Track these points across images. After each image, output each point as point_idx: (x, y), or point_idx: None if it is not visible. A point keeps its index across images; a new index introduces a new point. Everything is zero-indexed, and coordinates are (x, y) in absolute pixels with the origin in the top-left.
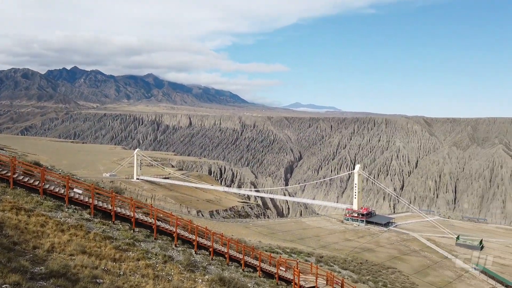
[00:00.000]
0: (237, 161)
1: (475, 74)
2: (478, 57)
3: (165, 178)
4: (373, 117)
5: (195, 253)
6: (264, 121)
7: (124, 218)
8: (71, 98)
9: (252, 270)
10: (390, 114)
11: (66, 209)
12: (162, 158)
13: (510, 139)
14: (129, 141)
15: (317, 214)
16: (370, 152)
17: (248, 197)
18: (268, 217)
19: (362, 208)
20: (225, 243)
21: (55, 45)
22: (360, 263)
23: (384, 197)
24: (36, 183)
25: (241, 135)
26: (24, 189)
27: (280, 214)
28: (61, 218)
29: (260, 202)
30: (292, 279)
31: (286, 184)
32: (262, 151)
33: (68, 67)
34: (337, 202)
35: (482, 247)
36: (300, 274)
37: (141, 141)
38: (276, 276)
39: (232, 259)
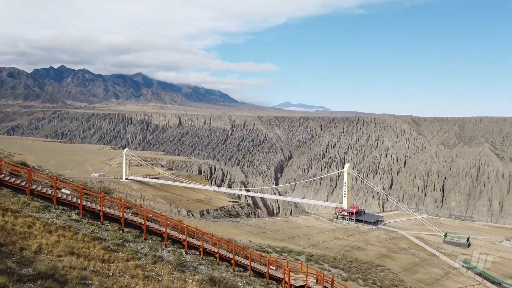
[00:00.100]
0: (227, 161)
1: (462, 74)
2: (465, 57)
3: (155, 178)
4: (362, 116)
5: (185, 253)
6: (254, 120)
7: (113, 219)
8: (59, 98)
9: (242, 270)
10: (379, 113)
11: (54, 210)
12: (152, 158)
13: (496, 138)
14: (118, 141)
15: (307, 213)
16: (359, 151)
17: (239, 196)
18: (258, 217)
19: (351, 206)
20: (215, 242)
21: (42, 44)
22: (350, 261)
23: (373, 196)
24: (23, 183)
25: (231, 134)
26: (11, 190)
27: (271, 213)
28: (48, 219)
29: (250, 202)
30: (282, 278)
31: (276, 184)
32: (252, 151)
33: (55, 66)
34: (327, 201)
35: (469, 245)
36: (291, 273)
37: (130, 141)
38: (266, 275)
39: (223, 258)
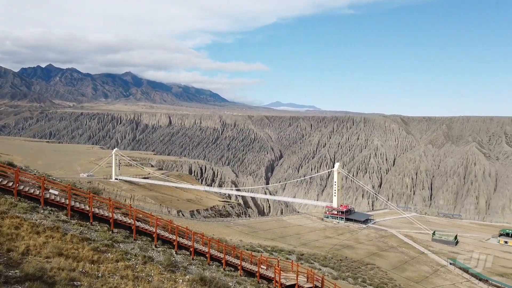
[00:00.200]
0: (217, 160)
1: (450, 74)
2: (453, 57)
3: (145, 178)
4: (352, 116)
5: (176, 253)
6: (245, 120)
7: (102, 219)
8: (46, 97)
9: (233, 269)
10: (368, 113)
11: (42, 211)
12: (141, 157)
13: (483, 137)
14: (107, 140)
15: (298, 212)
16: (349, 150)
17: (229, 196)
18: (249, 216)
19: (341, 205)
20: (206, 242)
21: (28, 42)
22: (340, 260)
23: (362, 195)
24: (10, 184)
25: (221, 134)
26: None
27: (261, 212)
28: (36, 220)
29: (241, 201)
30: (273, 277)
31: (267, 183)
32: (243, 150)
33: (43, 65)
34: (317, 200)
35: (457, 242)
36: (281, 272)
37: (119, 141)
38: (257, 274)
39: (213, 258)
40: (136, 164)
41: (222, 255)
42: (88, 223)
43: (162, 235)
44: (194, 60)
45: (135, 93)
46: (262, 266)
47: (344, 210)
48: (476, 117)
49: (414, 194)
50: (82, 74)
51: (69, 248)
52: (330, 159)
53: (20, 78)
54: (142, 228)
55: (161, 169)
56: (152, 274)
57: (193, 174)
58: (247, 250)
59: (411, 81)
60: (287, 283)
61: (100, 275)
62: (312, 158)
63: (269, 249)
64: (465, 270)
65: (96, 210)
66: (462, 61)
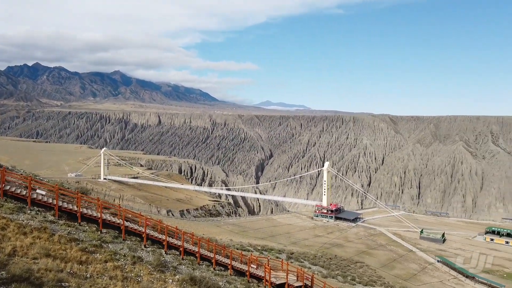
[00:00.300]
0: (207, 160)
1: (437, 74)
2: (440, 57)
3: (134, 177)
4: (342, 115)
5: (165, 253)
6: (235, 119)
7: (90, 219)
8: (33, 96)
9: (223, 269)
10: (358, 112)
11: (29, 211)
12: (131, 157)
13: (470, 136)
14: (95, 140)
15: (288, 211)
16: (339, 149)
17: (219, 195)
18: (239, 215)
19: (331, 204)
20: (196, 242)
21: (15, 40)
22: (330, 258)
23: (352, 193)
24: None
25: (211, 133)
26: None
27: (251, 212)
28: (23, 221)
29: (231, 201)
30: (263, 276)
31: (257, 182)
32: (233, 150)
33: (30, 63)
34: (307, 199)
35: (444, 240)
36: (271, 271)
37: (108, 140)
38: (247, 273)
39: (203, 258)
40: (125, 163)
41: (212, 255)
42: (76, 223)
43: (152, 235)
44: (184, 59)
45: (124, 92)
46: (252, 265)
47: (333, 209)
48: (463, 116)
49: (402, 192)
50: (70, 72)
51: (56, 249)
52: (320, 158)
53: (6, 77)
54: (131, 228)
55: (151, 168)
56: (142, 274)
57: (183, 174)
58: (237, 249)
59: (399, 80)
60: (277, 282)
61: (88, 275)
62: (302, 157)
63: (259, 248)
64: (453, 267)
65: (85, 210)
66: (449, 61)
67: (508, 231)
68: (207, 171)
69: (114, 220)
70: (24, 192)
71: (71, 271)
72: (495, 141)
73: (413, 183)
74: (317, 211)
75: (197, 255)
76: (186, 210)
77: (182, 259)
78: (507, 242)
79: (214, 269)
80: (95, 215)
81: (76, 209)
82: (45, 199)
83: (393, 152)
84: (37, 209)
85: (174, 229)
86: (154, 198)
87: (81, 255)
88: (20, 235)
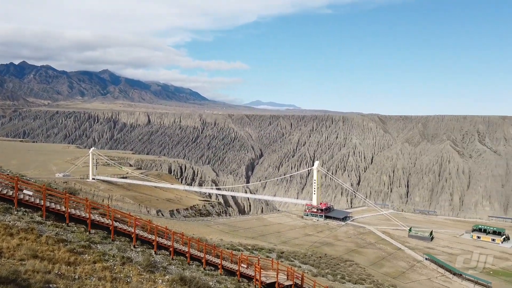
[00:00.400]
0: (198, 159)
1: (425, 73)
2: (428, 57)
3: (123, 177)
4: (331, 115)
5: (155, 253)
6: (225, 118)
7: (79, 220)
8: (20, 95)
9: (213, 269)
10: (347, 112)
11: (15, 212)
12: (120, 157)
13: (457, 136)
14: (83, 139)
15: (278, 210)
16: (328, 149)
17: (210, 195)
18: (229, 215)
19: (321, 203)
20: (186, 242)
21: (1, 38)
22: (320, 257)
23: (341, 192)
24: None
25: (201, 133)
26: None
27: (242, 211)
28: (9, 222)
29: (221, 200)
30: (253, 276)
31: (247, 182)
32: (223, 149)
33: (16, 62)
34: (297, 198)
35: (432, 238)
36: (262, 270)
37: (96, 140)
38: (237, 273)
39: (193, 258)
40: (114, 163)
41: (202, 255)
42: (64, 224)
43: (141, 235)
44: (173, 58)
45: (113, 91)
46: (242, 265)
47: (323, 208)
48: (450, 116)
49: (391, 191)
50: (58, 71)
51: (44, 250)
52: (310, 157)
53: None
54: (121, 228)
55: (140, 168)
56: (131, 275)
57: (172, 174)
58: (227, 249)
59: (388, 80)
60: (268, 281)
61: (77, 277)
62: (292, 156)
63: (249, 247)
64: (440, 265)
65: (73, 211)
66: (437, 62)
67: (494, 229)
68: (197, 171)
69: (103, 221)
70: (10, 193)
71: (59, 272)
72: (482, 140)
73: (402, 182)
74: (307, 210)
75: (187, 255)
76: (176, 210)
77: (172, 259)
78: (493, 240)
79: (204, 269)
80: (84, 215)
81: (64, 209)
82: (32, 199)
83: (382, 151)
84: (24, 209)
85: (164, 229)
86: (143, 198)
87: (69, 256)
88: (6, 236)
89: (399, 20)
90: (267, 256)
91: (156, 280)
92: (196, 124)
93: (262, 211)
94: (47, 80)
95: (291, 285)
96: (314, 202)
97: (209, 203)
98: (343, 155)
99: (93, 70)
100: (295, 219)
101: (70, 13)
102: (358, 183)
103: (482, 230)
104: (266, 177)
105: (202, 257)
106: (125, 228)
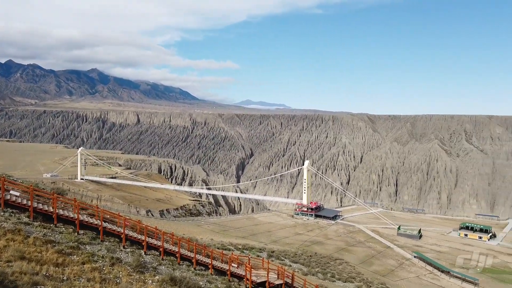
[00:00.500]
0: (188, 159)
1: (413, 73)
2: (416, 56)
3: (112, 177)
4: (321, 114)
5: (145, 253)
6: (215, 118)
7: (67, 221)
8: (6, 94)
9: (204, 268)
10: (337, 111)
11: (2, 213)
12: (109, 157)
13: (445, 135)
14: (72, 139)
15: (269, 210)
16: (318, 148)
17: (200, 195)
18: (220, 215)
19: (311, 202)
20: (176, 242)
21: None
22: (310, 256)
23: (331, 192)
24: None
25: (191, 132)
26: None
27: (232, 211)
28: None
29: (212, 200)
30: (244, 275)
31: (238, 181)
32: (214, 149)
33: (3, 61)
34: (288, 197)
35: (420, 236)
36: (252, 269)
37: (85, 140)
38: (228, 273)
39: (184, 258)
40: (103, 163)
41: (192, 255)
42: (52, 225)
43: (131, 236)
44: (163, 57)
45: (102, 90)
46: (233, 264)
47: (313, 207)
48: (438, 115)
49: (380, 190)
50: (45, 70)
51: (31, 251)
52: (300, 157)
53: None
54: (110, 229)
55: (129, 168)
56: (120, 275)
57: (162, 173)
58: (218, 248)
59: (377, 80)
60: (258, 280)
61: (65, 278)
62: (283, 156)
63: (240, 247)
64: (428, 263)
65: (61, 212)
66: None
67: (481, 226)
68: (187, 171)
69: (91, 221)
70: None
71: (47, 274)
72: (469, 140)
73: (391, 180)
74: (298, 210)
75: (177, 255)
76: (166, 210)
77: (162, 259)
78: (480, 237)
79: (194, 268)
80: (72, 216)
81: (52, 210)
82: (19, 200)
83: (371, 151)
84: (10, 210)
85: (153, 229)
86: (133, 198)
87: (57, 257)
88: None
89: (389, 20)
90: (258, 256)
91: (146, 280)
92: (186, 123)
93: (252, 211)
94: (34, 79)
95: (281, 284)
96: (304, 201)
97: (199, 203)
98: (333, 154)
99: (81, 69)
100: (285, 218)
101: (57, 11)
102: (348, 182)
103: (469, 228)
104: (256, 177)
105: (192, 257)
106: (114, 228)
